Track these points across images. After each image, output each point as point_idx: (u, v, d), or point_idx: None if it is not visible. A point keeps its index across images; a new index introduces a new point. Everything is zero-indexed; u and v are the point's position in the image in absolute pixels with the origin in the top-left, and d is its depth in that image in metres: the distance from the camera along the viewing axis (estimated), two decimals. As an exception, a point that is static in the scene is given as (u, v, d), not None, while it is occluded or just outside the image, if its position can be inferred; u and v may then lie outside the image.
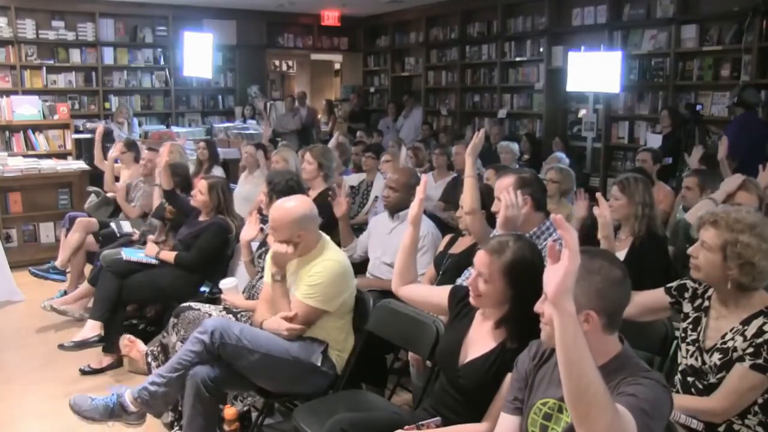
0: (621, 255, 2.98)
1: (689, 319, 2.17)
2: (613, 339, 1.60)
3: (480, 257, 2.05)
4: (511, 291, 2.00)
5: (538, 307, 1.62)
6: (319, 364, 2.69)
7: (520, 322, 1.97)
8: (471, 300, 2.10)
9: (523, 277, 1.97)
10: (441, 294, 2.36)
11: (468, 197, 3.01)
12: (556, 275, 1.30)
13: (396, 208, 3.72)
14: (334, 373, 2.76)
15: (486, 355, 2.05)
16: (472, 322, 2.17)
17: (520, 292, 1.97)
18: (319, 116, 10.89)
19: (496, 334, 2.06)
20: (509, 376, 1.94)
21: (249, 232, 3.51)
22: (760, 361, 1.93)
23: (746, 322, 2.00)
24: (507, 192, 2.62)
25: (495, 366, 2.01)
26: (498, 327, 2.06)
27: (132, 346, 3.58)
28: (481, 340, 2.10)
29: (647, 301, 2.28)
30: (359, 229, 4.23)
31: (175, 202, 4.30)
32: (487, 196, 3.14)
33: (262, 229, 3.58)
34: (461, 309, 2.24)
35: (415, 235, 2.48)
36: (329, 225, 3.61)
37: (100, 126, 6.27)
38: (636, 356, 1.63)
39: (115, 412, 2.69)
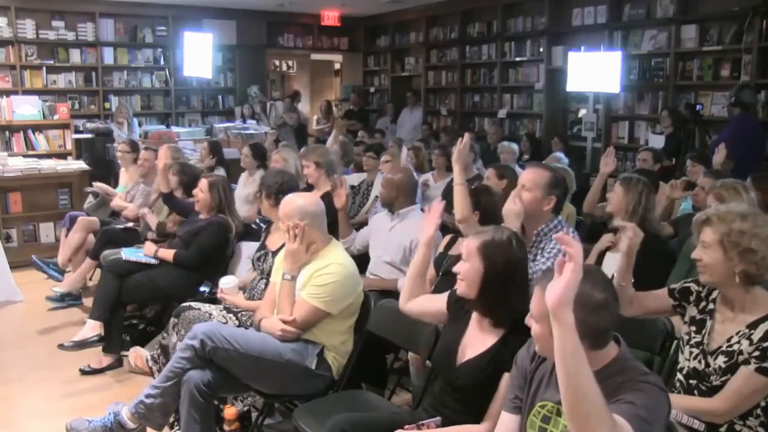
0: (620, 257, 2.98)
1: (693, 322, 2.17)
2: (605, 349, 1.60)
3: (465, 241, 2.20)
4: (484, 268, 2.08)
5: (527, 320, 1.66)
6: (313, 367, 2.69)
7: (496, 305, 2.07)
8: (457, 288, 2.17)
9: (495, 256, 2.08)
10: (440, 302, 2.37)
11: (459, 205, 2.98)
12: (557, 287, 1.33)
13: (387, 203, 3.77)
14: (330, 375, 2.75)
15: (482, 355, 2.07)
16: (469, 323, 2.18)
17: (491, 268, 2.07)
18: (316, 116, 10.90)
19: (492, 334, 2.09)
20: (506, 375, 1.97)
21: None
22: (766, 364, 1.93)
23: (753, 326, 2.00)
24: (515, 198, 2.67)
25: (491, 365, 2.03)
26: (491, 325, 2.09)
27: (136, 355, 3.60)
28: (477, 341, 2.12)
29: (651, 304, 2.28)
30: (359, 229, 4.22)
31: (174, 205, 4.31)
32: (486, 196, 3.15)
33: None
34: (458, 311, 2.26)
35: (427, 255, 2.52)
36: (331, 222, 3.61)
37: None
38: (633, 358, 1.63)
39: (114, 431, 2.69)
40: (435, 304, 2.40)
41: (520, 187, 2.72)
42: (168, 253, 3.88)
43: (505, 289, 2.06)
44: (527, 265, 2.25)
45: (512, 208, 2.65)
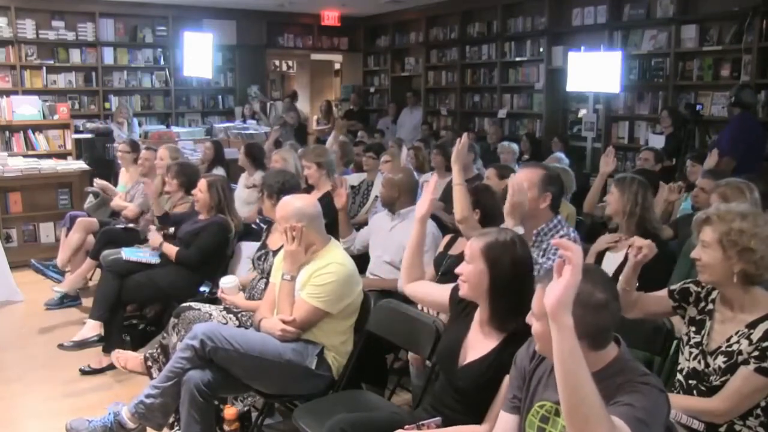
0: (619, 257, 2.98)
1: (693, 322, 2.17)
2: (605, 350, 1.60)
3: (467, 243, 2.16)
4: (489, 271, 2.05)
5: (528, 319, 1.65)
6: (313, 367, 2.69)
7: (501, 307, 2.04)
8: (459, 290, 2.15)
9: (499, 258, 2.05)
10: (443, 293, 2.37)
11: (458, 205, 2.97)
12: (556, 288, 1.33)
13: (387, 204, 3.78)
14: (330, 375, 2.75)
15: (483, 358, 2.06)
16: (471, 324, 2.18)
17: (497, 271, 2.04)
18: (316, 117, 10.90)
19: (493, 337, 2.08)
20: (507, 378, 1.95)
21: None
22: (765, 364, 1.93)
23: (752, 326, 2.00)
24: (514, 183, 2.61)
25: (492, 369, 2.03)
26: (493, 327, 2.08)
27: (125, 357, 3.56)
28: (478, 343, 2.11)
29: (652, 306, 2.28)
30: (359, 229, 4.23)
31: (169, 224, 4.29)
32: (486, 195, 3.14)
33: None
34: (461, 310, 2.25)
35: (422, 232, 2.52)
36: (331, 222, 3.62)
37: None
38: (633, 359, 1.63)
39: (114, 431, 2.69)
40: (439, 292, 2.41)
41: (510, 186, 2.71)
42: (171, 249, 3.88)
43: (513, 291, 2.03)
44: (533, 265, 2.25)
45: (517, 200, 2.56)
